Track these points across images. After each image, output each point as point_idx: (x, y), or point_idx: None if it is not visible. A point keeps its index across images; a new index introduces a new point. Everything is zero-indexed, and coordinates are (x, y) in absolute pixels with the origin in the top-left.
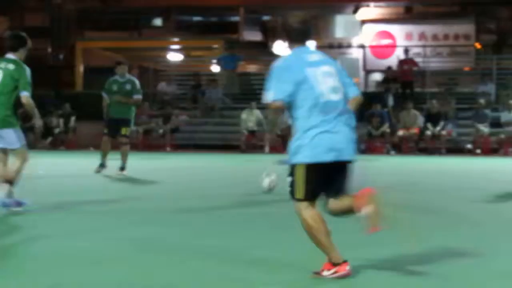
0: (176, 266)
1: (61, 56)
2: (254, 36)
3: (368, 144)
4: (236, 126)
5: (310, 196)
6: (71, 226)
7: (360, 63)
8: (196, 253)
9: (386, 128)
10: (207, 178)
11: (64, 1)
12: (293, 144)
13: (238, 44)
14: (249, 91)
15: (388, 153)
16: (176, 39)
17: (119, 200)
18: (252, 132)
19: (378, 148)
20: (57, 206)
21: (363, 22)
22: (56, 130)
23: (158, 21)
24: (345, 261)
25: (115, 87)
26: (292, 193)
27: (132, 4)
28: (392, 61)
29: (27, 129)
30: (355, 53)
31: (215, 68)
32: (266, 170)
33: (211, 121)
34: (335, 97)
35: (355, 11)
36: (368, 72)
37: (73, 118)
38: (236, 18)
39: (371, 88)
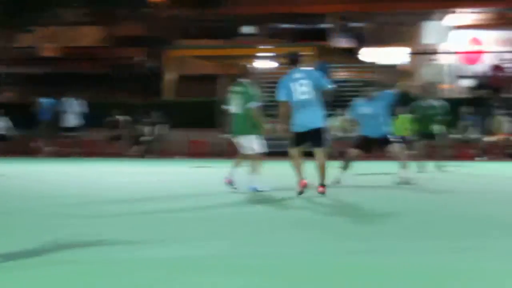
0: None
1: (154, 65)
2: (345, 43)
3: (457, 150)
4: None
5: (295, 145)
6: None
7: (449, 69)
8: None
9: (473, 133)
10: None
11: (156, 10)
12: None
13: (330, 51)
14: (339, 97)
15: (474, 159)
16: (268, 47)
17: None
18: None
19: (465, 154)
20: None
21: (453, 28)
22: (146, 138)
23: (250, 29)
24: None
25: None
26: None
27: (228, 13)
28: (482, 67)
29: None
30: (444, 59)
31: None
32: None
33: None
34: (304, 97)
35: (443, 18)
36: (457, 78)
37: (162, 127)
38: (327, 25)
39: (460, 94)
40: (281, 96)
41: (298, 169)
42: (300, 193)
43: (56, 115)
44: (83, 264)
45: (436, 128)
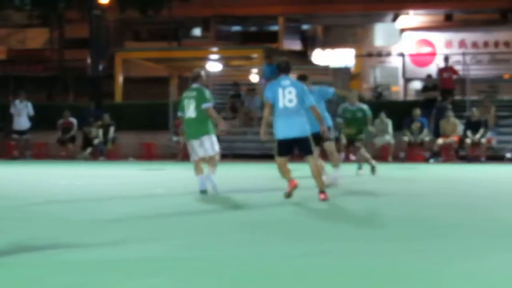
0: None
1: (101, 67)
2: (294, 45)
3: (408, 152)
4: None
5: (280, 154)
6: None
7: (400, 71)
8: None
9: (425, 136)
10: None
11: (104, 12)
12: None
13: (277, 53)
14: None
15: (427, 161)
16: (215, 49)
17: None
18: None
19: (418, 156)
20: None
21: (403, 30)
22: (96, 141)
23: (198, 31)
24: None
25: None
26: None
27: (172, 15)
28: (432, 69)
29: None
30: (395, 62)
31: (254, 78)
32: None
33: (251, 131)
34: (290, 104)
35: (394, 20)
36: (407, 80)
37: (112, 129)
38: (275, 28)
39: (411, 97)
40: (268, 97)
41: (286, 174)
42: (289, 195)
43: (6, 118)
44: (18, 267)
45: (360, 131)
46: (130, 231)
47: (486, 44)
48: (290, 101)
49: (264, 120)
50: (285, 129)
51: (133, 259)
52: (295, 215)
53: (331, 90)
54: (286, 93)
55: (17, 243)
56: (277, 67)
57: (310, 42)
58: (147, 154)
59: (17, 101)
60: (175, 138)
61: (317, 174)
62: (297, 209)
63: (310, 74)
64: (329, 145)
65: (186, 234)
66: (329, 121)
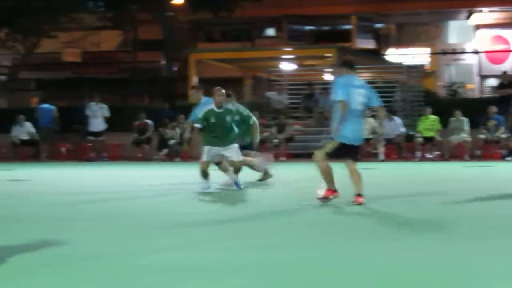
0: None
1: (174, 68)
2: (367, 44)
3: (484, 150)
4: None
5: (332, 155)
6: None
7: (475, 68)
8: None
9: (501, 133)
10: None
11: (176, 14)
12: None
13: (350, 52)
14: None
15: (504, 158)
16: (288, 49)
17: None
18: (367, 140)
19: (494, 154)
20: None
21: (477, 27)
22: (171, 142)
23: (270, 31)
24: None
25: None
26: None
27: (244, 15)
28: (507, 66)
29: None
30: (469, 59)
31: (328, 77)
32: None
33: (325, 130)
34: (360, 107)
35: (468, 17)
36: (483, 77)
37: (188, 130)
38: (348, 26)
39: (487, 94)
40: (341, 96)
41: (328, 176)
42: (325, 199)
43: (82, 120)
44: (94, 269)
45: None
46: (209, 232)
47: None
48: (360, 104)
49: (340, 120)
50: (352, 134)
51: (212, 260)
52: (359, 215)
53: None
54: (358, 94)
55: (98, 243)
56: (345, 65)
57: (383, 40)
58: None
59: (92, 103)
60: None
61: (358, 179)
62: (362, 210)
63: (384, 73)
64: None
65: (261, 234)
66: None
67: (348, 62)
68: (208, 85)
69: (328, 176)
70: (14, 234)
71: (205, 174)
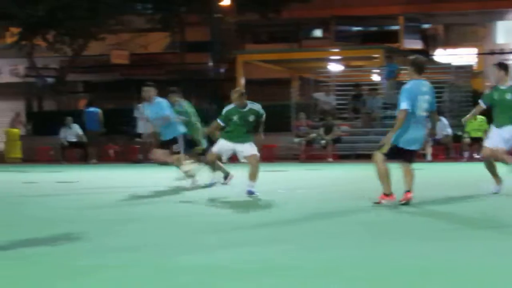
0: None
1: (222, 70)
2: (414, 44)
3: None
4: None
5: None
6: None
7: None
8: None
9: None
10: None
11: (224, 15)
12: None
13: (398, 52)
14: None
15: None
16: (336, 50)
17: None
18: None
19: None
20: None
21: None
22: None
23: (318, 32)
24: (392, 194)
25: None
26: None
27: (292, 16)
28: None
29: None
30: None
31: (375, 78)
32: None
33: (373, 131)
34: (423, 113)
35: None
36: None
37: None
38: (395, 27)
39: None
40: (406, 105)
41: (385, 179)
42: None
43: (130, 122)
44: (133, 268)
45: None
46: (255, 233)
47: None
48: (424, 110)
49: (397, 128)
50: (412, 141)
51: (256, 260)
52: (410, 215)
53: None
54: (423, 101)
55: (148, 244)
56: (417, 69)
57: (430, 41)
58: (268, 156)
59: (140, 105)
60: (296, 140)
61: (411, 179)
62: (413, 210)
63: (432, 73)
64: (179, 159)
65: (306, 236)
66: (181, 130)
67: (420, 65)
68: (255, 87)
69: (385, 179)
70: (62, 235)
71: (213, 166)
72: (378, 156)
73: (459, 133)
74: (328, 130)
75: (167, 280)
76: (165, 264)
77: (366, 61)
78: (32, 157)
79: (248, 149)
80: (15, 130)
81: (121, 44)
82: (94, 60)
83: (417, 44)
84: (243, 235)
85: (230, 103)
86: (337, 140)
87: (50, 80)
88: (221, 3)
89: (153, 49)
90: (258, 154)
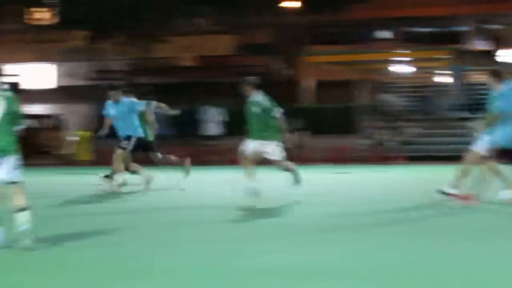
0: None
1: (286, 72)
2: (483, 45)
3: None
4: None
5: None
6: None
7: None
8: None
9: None
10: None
11: (289, 17)
12: None
13: (466, 54)
14: (475, 100)
15: None
16: (403, 51)
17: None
18: None
19: None
20: None
21: None
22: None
23: (385, 33)
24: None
25: None
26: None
27: (357, 17)
28: None
29: None
30: None
31: (444, 79)
32: None
33: (442, 132)
34: None
35: None
36: None
37: (305, 133)
38: (463, 28)
39: None
40: (500, 107)
41: (465, 177)
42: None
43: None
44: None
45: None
46: (314, 234)
47: None
48: None
49: (488, 125)
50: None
51: (312, 262)
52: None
53: (141, 103)
54: None
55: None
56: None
57: (500, 41)
58: (335, 158)
59: (207, 107)
60: (365, 142)
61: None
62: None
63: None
64: (118, 155)
65: (362, 237)
66: (138, 131)
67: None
68: (321, 88)
69: (465, 177)
70: (127, 238)
71: (248, 173)
72: (473, 156)
73: None
74: (397, 132)
75: (233, 281)
76: (233, 266)
77: (435, 62)
78: (100, 159)
79: (273, 153)
80: (86, 133)
81: (188, 47)
82: (162, 63)
83: (487, 45)
84: (311, 237)
85: (297, 103)
86: (406, 142)
87: (118, 83)
88: (286, 5)
89: (219, 51)
90: (282, 158)
